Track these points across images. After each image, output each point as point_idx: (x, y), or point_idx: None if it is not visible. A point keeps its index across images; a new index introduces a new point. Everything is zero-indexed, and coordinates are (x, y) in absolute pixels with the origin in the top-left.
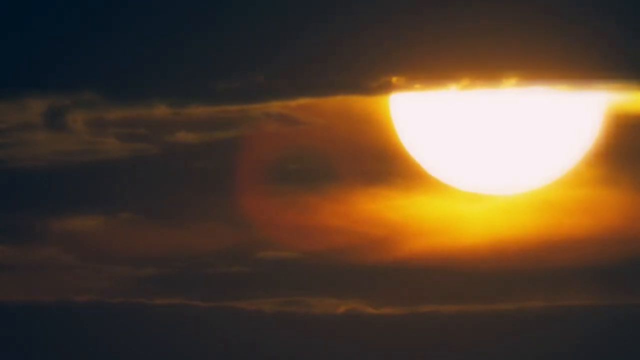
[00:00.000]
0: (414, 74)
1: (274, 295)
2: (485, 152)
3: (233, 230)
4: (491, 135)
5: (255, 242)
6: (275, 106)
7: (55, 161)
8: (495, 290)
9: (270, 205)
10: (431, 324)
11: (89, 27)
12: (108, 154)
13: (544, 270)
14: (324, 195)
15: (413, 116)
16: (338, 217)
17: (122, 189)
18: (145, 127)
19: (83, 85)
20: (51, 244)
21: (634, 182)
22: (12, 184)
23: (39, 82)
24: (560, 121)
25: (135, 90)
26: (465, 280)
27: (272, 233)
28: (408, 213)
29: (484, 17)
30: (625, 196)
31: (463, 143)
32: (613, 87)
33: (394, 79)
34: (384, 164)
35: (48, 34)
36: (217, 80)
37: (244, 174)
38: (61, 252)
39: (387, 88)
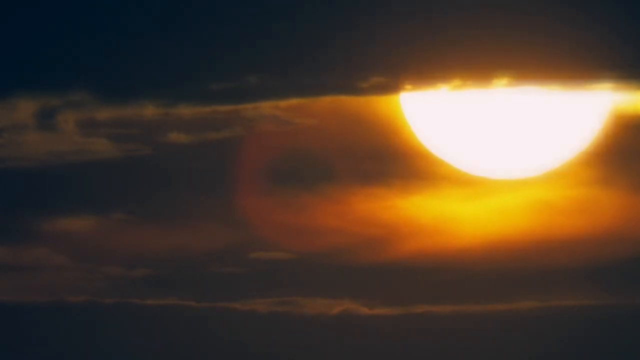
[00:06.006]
0: (406, 75)
1: (267, 295)
2: (480, 148)
3: (226, 231)
4: (485, 133)
5: (249, 242)
6: (267, 106)
7: (46, 162)
8: (489, 291)
9: (264, 206)
10: (425, 324)
11: (80, 28)
12: (100, 154)
13: (537, 270)
14: (319, 196)
15: (407, 116)
16: (333, 217)
17: (114, 190)
18: (137, 127)
19: (74, 85)
20: (43, 244)
21: (629, 183)
22: (3, 184)
23: (30, 83)
24: (553, 121)
25: (126, 91)
26: (460, 280)
27: (266, 233)
28: (403, 213)
29: (477, 18)
30: (620, 196)
31: (459, 140)
32: (607, 88)
33: (385, 80)
34: (379, 164)
35: (39, 35)
36: (208, 80)
37: (237, 175)
38: (53, 253)
39: (378, 88)
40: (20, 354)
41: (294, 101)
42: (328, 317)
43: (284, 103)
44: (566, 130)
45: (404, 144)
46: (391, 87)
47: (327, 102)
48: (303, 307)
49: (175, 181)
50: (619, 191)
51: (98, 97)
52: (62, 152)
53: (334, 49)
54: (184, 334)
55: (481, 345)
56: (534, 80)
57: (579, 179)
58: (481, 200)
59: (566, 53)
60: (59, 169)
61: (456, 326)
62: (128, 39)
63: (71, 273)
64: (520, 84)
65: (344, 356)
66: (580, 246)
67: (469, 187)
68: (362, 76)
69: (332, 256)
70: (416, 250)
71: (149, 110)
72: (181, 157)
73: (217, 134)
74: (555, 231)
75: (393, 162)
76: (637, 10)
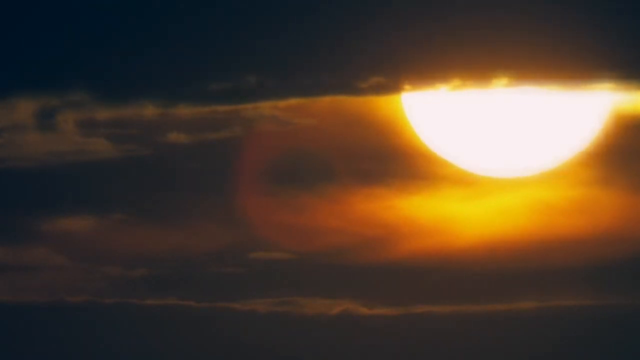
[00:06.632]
0: (405, 75)
1: (267, 295)
2: (479, 148)
3: (226, 231)
4: (485, 133)
5: (249, 242)
6: (266, 106)
7: (46, 162)
8: (488, 291)
9: (263, 206)
10: (425, 324)
11: (80, 28)
12: (99, 154)
13: (537, 270)
14: (319, 196)
15: (406, 116)
16: (333, 217)
17: (114, 190)
18: (137, 127)
19: (74, 85)
20: (43, 244)
21: (629, 183)
22: (3, 184)
23: (29, 83)
24: (553, 121)
25: (126, 91)
26: (459, 280)
27: (266, 233)
28: (403, 213)
29: (476, 18)
30: (620, 196)
31: (459, 140)
32: (607, 88)
33: (385, 80)
34: (379, 164)
35: (38, 36)
36: (208, 81)
37: (237, 175)
38: (53, 253)
39: (377, 89)
40: (20, 354)
41: (293, 101)
42: (328, 317)
43: (283, 103)
44: (566, 130)
45: (404, 144)
46: (391, 87)
47: (327, 102)
48: (303, 307)
49: (175, 181)
50: (619, 191)
51: (98, 97)
52: (62, 152)
53: (334, 49)
54: (184, 334)
55: (481, 345)
56: (534, 80)
57: (579, 179)
58: (481, 200)
59: (566, 53)
60: (58, 169)
61: (456, 326)
62: (128, 39)
63: (71, 273)
64: (520, 84)
65: (344, 356)
66: (580, 246)
67: (468, 187)
68: (362, 76)
69: (332, 256)
70: (416, 250)
71: (149, 111)
72: (181, 157)
73: (216, 134)
74: (555, 231)
75: (393, 162)
76: (637, 10)
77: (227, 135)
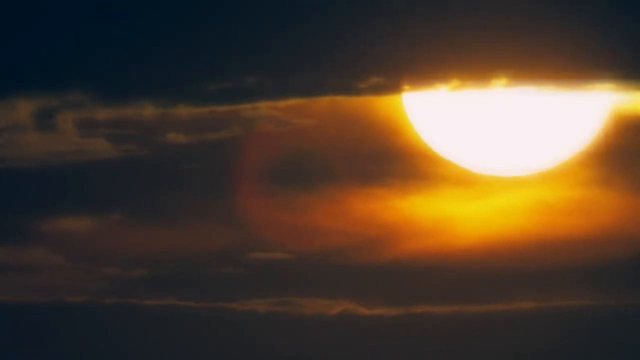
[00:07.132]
0: (405, 75)
1: (267, 295)
2: (479, 148)
3: (226, 231)
4: (485, 133)
5: (249, 242)
6: (265, 107)
7: (45, 162)
8: (488, 291)
9: (263, 206)
10: (425, 324)
11: (79, 28)
12: (98, 154)
13: (537, 270)
14: (318, 196)
15: (406, 116)
16: (332, 218)
17: (113, 190)
18: (136, 127)
19: (73, 86)
20: (42, 244)
21: (628, 183)
22: (3, 184)
23: (29, 83)
24: (553, 121)
25: (125, 91)
26: (459, 280)
27: (266, 234)
28: (403, 213)
29: (476, 18)
30: (620, 196)
31: (459, 140)
32: (607, 88)
33: (384, 80)
34: (378, 164)
35: (38, 36)
36: (207, 81)
37: (236, 175)
38: (52, 253)
39: (376, 89)
40: (20, 354)
41: (292, 101)
42: (328, 317)
43: (282, 103)
44: (565, 130)
45: (404, 144)
46: (390, 87)
47: (326, 102)
48: (303, 307)
49: (174, 181)
50: (618, 191)
51: (97, 97)
52: (61, 152)
53: (333, 49)
54: (183, 334)
55: (481, 345)
56: (533, 81)
57: (579, 179)
58: (481, 200)
59: (566, 53)
60: (58, 169)
61: (456, 326)
62: (127, 39)
63: (70, 273)
64: (520, 84)
65: (344, 356)
66: (580, 246)
67: (468, 187)
68: (361, 76)
69: (332, 256)
70: (416, 250)
71: (148, 111)
72: (180, 158)
73: (215, 135)
74: (555, 231)
75: (393, 162)
76: (637, 11)
77: (227, 136)
